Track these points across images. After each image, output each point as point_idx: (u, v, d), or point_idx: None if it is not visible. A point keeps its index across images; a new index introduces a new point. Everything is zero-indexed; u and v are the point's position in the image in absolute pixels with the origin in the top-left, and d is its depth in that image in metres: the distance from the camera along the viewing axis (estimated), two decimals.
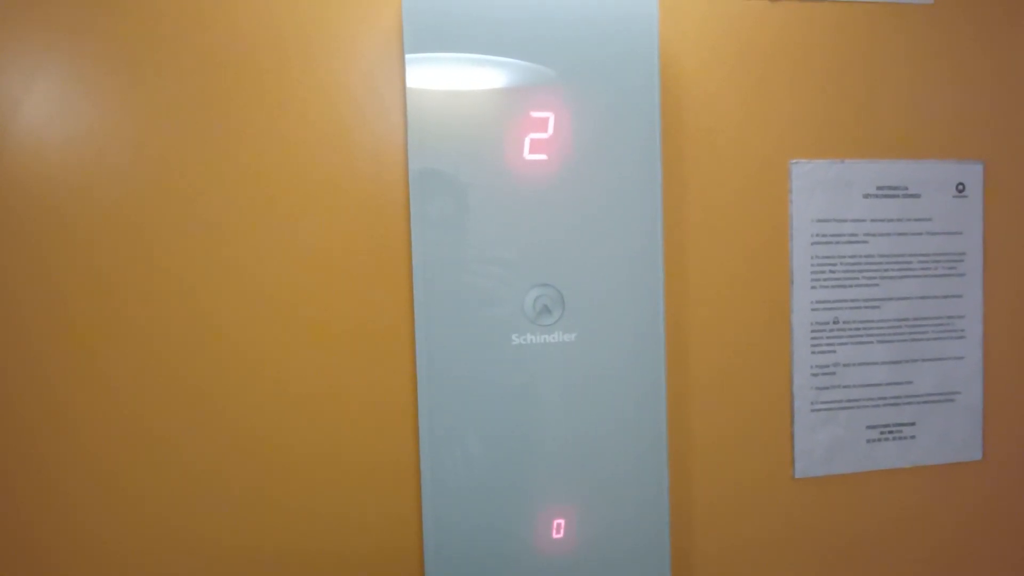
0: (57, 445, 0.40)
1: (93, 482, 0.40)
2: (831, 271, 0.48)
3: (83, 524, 0.40)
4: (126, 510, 0.40)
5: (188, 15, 0.40)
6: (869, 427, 0.50)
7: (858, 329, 0.49)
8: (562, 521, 0.42)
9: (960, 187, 0.50)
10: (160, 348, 0.40)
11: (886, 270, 0.49)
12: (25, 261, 0.39)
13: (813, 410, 0.49)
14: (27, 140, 0.39)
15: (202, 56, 0.40)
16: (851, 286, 0.49)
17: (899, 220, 0.49)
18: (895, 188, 0.49)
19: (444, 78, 0.40)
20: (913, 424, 0.50)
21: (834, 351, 0.49)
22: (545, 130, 0.41)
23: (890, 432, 0.50)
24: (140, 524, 0.41)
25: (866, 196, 0.49)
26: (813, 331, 0.48)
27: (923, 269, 0.50)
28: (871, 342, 0.49)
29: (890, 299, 0.49)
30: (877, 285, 0.49)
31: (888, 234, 0.49)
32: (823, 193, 0.48)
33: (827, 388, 0.49)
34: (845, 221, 0.48)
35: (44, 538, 0.40)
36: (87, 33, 0.39)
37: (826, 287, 0.48)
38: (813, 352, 0.49)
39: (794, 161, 0.48)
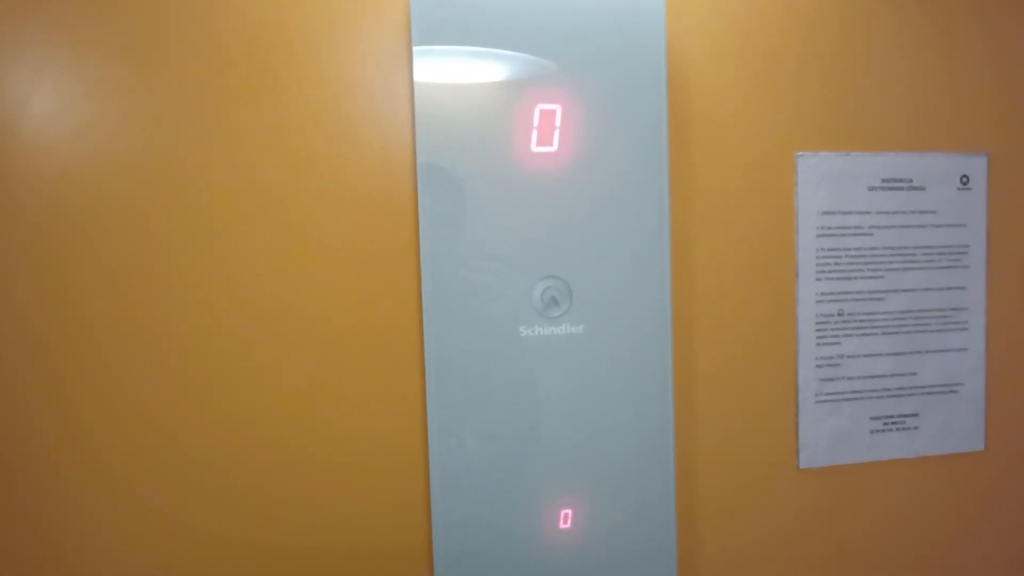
0: (63, 441, 0.40)
1: (100, 480, 0.40)
2: (836, 263, 0.49)
3: (91, 521, 0.40)
4: (133, 507, 0.40)
5: (195, 11, 0.40)
6: (873, 418, 0.50)
7: (863, 321, 0.49)
8: (569, 512, 0.42)
9: (964, 179, 0.50)
10: (167, 345, 0.40)
11: (890, 262, 0.49)
12: (32, 259, 0.39)
13: (818, 401, 0.49)
14: (34, 138, 0.38)
15: (209, 52, 0.40)
16: (856, 278, 0.49)
17: (904, 212, 0.49)
18: (900, 181, 0.49)
19: (452, 71, 0.40)
20: (916, 415, 0.51)
21: (839, 343, 0.49)
22: (553, 123, 0.41)
23: (894, 423, 0.50)
24: (147, 521, 0.41)
25: (871, 189, 0.49)
26: (818, 323, 0.49)
27: (927, 261, 0.50)
28: (875, 334, 0.50)
29: (894, 291, 0.50)
30: (882, 277, 0.49)
31: (893, 226, 0.49)
32: (828, 185, 0.48)
33: (832, 380, 0.49)
34: (850, 213, 0.49)
35: (50, 533, 0.40)
36: (93, 30, 0.39)
37: (831, 279, 0.49)
38: (818, 344, 0.49)
39: (800, 154, 0.48)
